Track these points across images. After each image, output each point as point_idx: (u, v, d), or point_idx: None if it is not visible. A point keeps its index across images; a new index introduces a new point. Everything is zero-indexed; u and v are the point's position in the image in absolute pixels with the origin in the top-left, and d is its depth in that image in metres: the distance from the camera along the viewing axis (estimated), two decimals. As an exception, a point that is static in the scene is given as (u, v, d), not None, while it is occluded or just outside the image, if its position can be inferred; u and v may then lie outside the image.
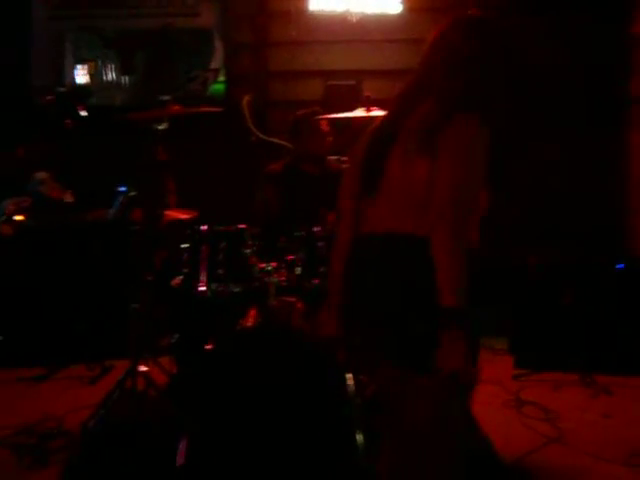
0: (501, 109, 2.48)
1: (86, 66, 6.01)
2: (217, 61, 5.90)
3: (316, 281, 3.81)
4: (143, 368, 4.05)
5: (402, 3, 5.64)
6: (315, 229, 3.84)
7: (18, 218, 5.28)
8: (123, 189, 3.82)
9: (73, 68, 5.99)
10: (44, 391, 4.72)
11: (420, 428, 2.46)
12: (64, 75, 5.96)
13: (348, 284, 2.57)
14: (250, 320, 3.75)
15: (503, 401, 4.45)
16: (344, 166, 4.57)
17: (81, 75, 5.99)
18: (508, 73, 2.49)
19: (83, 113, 2.77)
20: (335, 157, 4.66)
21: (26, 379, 4.86)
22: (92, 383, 4.79)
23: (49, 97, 2.76)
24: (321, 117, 4.45)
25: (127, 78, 6.01)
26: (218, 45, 5.89)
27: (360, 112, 4.13)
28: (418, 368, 2.38)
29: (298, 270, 3.83)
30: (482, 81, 2.46)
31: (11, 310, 5.18)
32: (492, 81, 2.48)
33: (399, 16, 5.64)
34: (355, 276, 2.54)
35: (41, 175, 5.65)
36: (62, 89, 2.83)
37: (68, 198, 5.62)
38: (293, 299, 3.81)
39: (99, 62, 6.00)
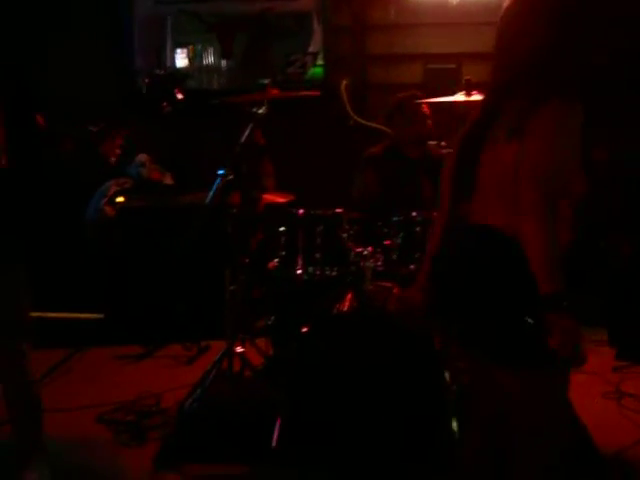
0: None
1: (185, 50, 6.07)
2: (315, 45, 5.88)
3: (412, 266, 3.77)
4: (239, 349, 4.09)
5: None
6: (413, 214, 3.80)
7: (119, 200, 5.40)
8: (222, 172, 3.83)
9: (173, 52, 6.07)
10: (142, 369, 4.83)
11: (528, 421, 2.42)
12: (164, 59, 6.05)
13: (444, 274, 2.53)
14: (346, 304, 3.74)
15: (603, 393, 4.34)
16: (444, 151, 4.52)
17: (180, 59, 6.06)
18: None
19: (180, 96, 2.79)
20: (435, 142, 4.60)
21: (125, 357, 4.98)
22: (189, 363, 4.87)
23: (147, 80, 2.80)
24: (421, 101, 4.39)
25: (226, 62, 6.05)
26: (317, 28, 5.87)
27: (460, 96, 4.06)
28: (527, 361, 2.33)
29: (395, 255, 3.80)
30: (576, 57, 2.38)
31: (112, 289, 5.30)
32: (587, 56, 2.40)
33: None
34: (451, 267, 2.50)
35: (142, 158, 5.75)
36: (160, 72, 2.86)
37: (168, 180, 5.71)
38: (389, 284, 3.78)
39: (198, 46, 6.06)
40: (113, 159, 3.00)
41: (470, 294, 2.40)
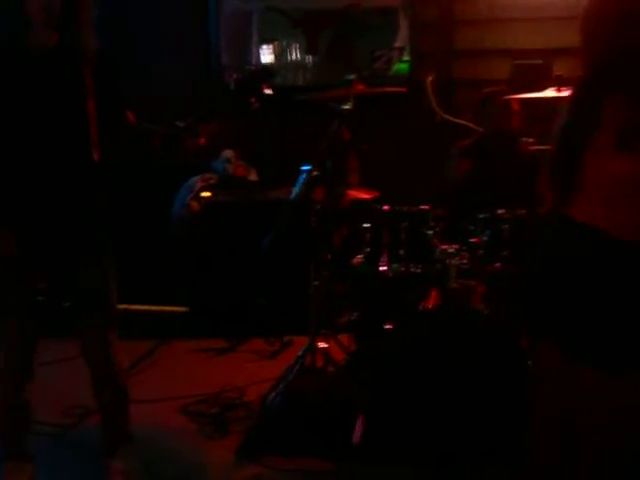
0: None
1: (271, 46, 6.10)
2: (401, 40, 5.84)
3: (498, 265, 3.72)
4: (322, 344, 4.09)
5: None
6: (500, 211, 3.74)
7: (205, 195, 5.46)
8: (307, 168, 3.84)
9: (259, 48, 6.11)
10: (226, 363, 4.88)
11: (610, 421, 2.37)
12: (250, 55, 6.09)
13: (551, 273, 2.47)
14: (430, 302, 3.71)
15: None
16: (533, 148, 4.43)
17: (266, 55, 6.09)
18: None
19: (268, 92, 2.79)
20: (524, 138, 4.51)
21: (209, 350, 5.03)
22: (272, 357, 4.90)
23: (236, 76, 2.80)
24: (508, 96, 4.32)
25: (311, 58, 6.06)
26: (402, 23, 5.83)
27: (550, 92, 3.98)
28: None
29: (481, 253, 3.75)
30: None
31: (197, 283, 5.37)
32: None
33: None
34: (561, 268, 2.44)
35: (227, 153, 5.80)
36: (250, 68, 2.87)
37: (253, 176, 5.75)
38: (474, 282, 3.74)
39: (284, 42, 6.08)
40: (196, 154, 3.03)
41: (585, 296, 2.35)
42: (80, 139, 2.92)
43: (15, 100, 2.90)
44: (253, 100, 2.85)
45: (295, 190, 3.85)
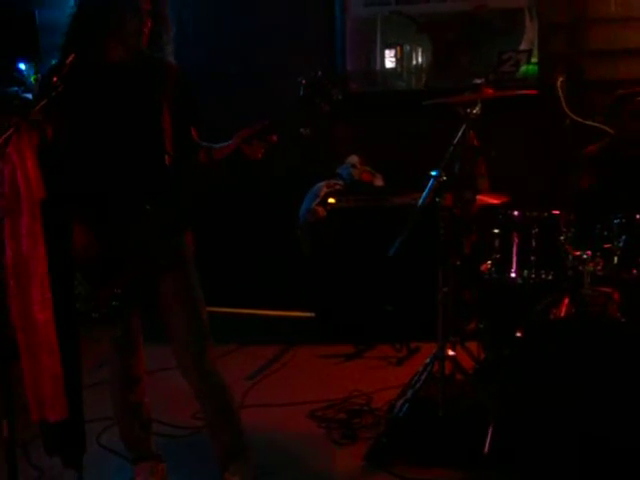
0: None
1: (394, 50, 6.10)
2: (528, 41, 5.74)
3: (635, 272, 3.59)
4: (450, 352, 4.05)
5: None
6: (637, 216, 3.62)
7: (331, 200, 5.49)
8: (435, 173, 3.81)
9: (382, 53, 6.11)
10: (353, 368, 4.88)
11: None
12: (373, 60, 6.10)
13: None
14: (563, 309, 3.62)
15: None
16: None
17: (389, 59, 6.09)
18: None
19: (338, 97, 2.78)
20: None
21: (335, 356, 5.05)
22: (399, 364, 4.88)
23: (304, 81, 2.81)
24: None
25: (435, 62, 6.02)
26: (529, 25, 5.72)
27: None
28: None
29: (616, 259, 3.63)
30: None
31: (323, 288, 5.40)
32: None
33: None
34: None
35: (353, 159, 5.83)
36: (318, 72, 2.88)
37: (378, 182, 5.75)
38: (609, 290, 3.62)
39: (407, 46, 6.06)
40: (259, 157, 3.02)
41: None
42: (155, 146, 3.00)
43: (96, 111, 2.96)
44: (323, 104, 2.83)
45: (423, 195, 3.82)
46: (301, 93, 2.94)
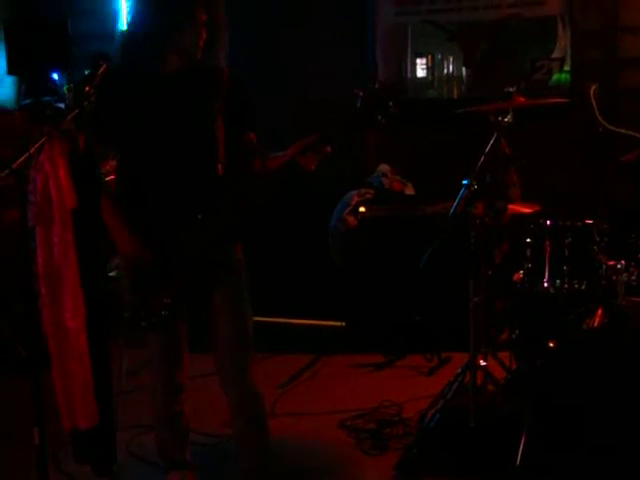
0: None
1: (425, 59, 6.09)
2: (560, 49, 5.70)
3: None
4: (482, 362, 4.02)
5: None
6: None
7: (362, 210, 5.48)
8: (466, 182, 3.79)
9: (413, 61, 6.10)
10: (383, 378, 4.86)
11: None
12: (404, 68, 6.09)
13: None
14: (597, 320, 3.58)
15: None
16: None
17: (420, 68, 6.08)
18: None
19: (394, 109, 2.75)
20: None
21: (366, 365, 5.03)
22: (430, 374, 4.85)
23: (361, 93, 2.79)
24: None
25: (467, 70, 6.00)
26: (561, 33, 5.69)
27: None
28: None
29: (651, 269, 3.59)
30: None
31: (354, 298, 5.39)
32: None
33: None
34: None
35: (383, 168, 5.82)
36: (375, 85, 2.86)
37: (409, 191, 5.74)
38: (644, 300, 3.58)
39: (438, 55, 6.05)
40: (312, 169, 3.01)
41: None
42: (208, 154, 3.00)
43: (150, 120, 2.97)
44: (380, 117, 2.80)
45: (454, 204, 3.80)
46: (358, 105, 2.92)
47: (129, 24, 3.09)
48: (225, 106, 3.02)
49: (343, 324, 5.44)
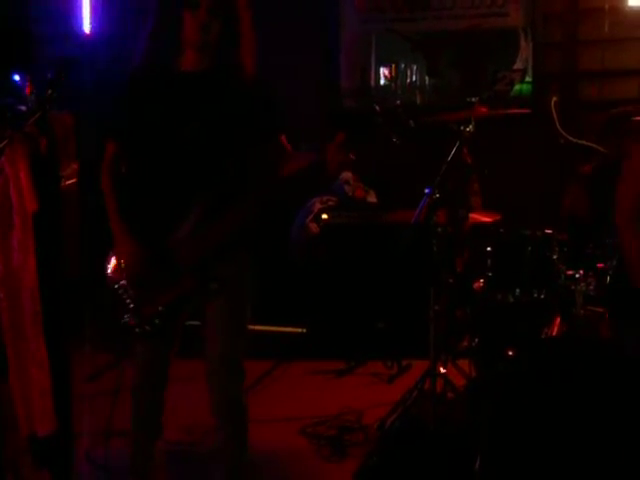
0: None
1: (388, 68, 6.12)
2: (522, 61, 5.77)
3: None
4: (442, 370, 4.04)
5: None
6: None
7: (324, 217, 5.48)
8: (428, 191, 3.82)
9: (377, 70, 6.14)
10: (344, 385, 4.87)
11: None
12: (368, 77, 6.13)
13: None
14: (554, 329, 3.62)
15: None
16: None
17: (383, 77, 6.12)
18: None
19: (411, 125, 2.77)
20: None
21: (327, 372, 5.03)
22: (390, 381, 4.87)
23: (379, 108, 2.80)
24: (636, 118, 4.19)
25: (430, 80, 6.04)
26: (523, 44, 5.75)
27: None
28: None
29: (608, 279, 3.64)
30: None
31: (315, 304, 5.39)
32: None
33: None
34: None
35: (346, 176, 5.83)
36: (397, 103, 2.88)
37: (372, 198, 5.76)
38: (601, 309, 3.63)
39: (402, 64, 6.09)
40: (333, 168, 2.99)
41: None
42: (217, 158, 2.92)
43: (165, 119, 2.90)
44: (396, 137, 2.81)
45: (416, 213, 3.83)
46: (377, 121, 2.90)
47: (149, 18, 2.98)
48: (244, 108, 2.92)
49: (304, 330, 5.44)
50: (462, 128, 3.96)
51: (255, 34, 2.98)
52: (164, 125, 2.90)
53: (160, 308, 2.94)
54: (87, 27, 6.00)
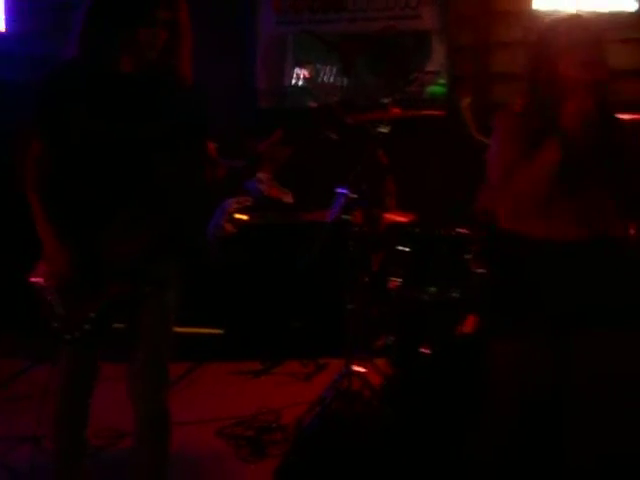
0: None
1: (305, 69, 6.14)
2: (435, 63, 5.85)
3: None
4: (358, 368, 4.08)
5: (638, 0, 5.34)
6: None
7: (239, 216, 5.46)
8: (343, 191, 3.85)
9: (293, 70, 6.15)
10: (260, 385, 4.86)
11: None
12: (284, 78, 6.13)
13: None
14: (468, 327, 3.69)
15: None
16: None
17: (300, 77, 6.13)
18: None
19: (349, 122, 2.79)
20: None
21: (244, 372, 5.02)
22: (307, 380, 4.88)
23: (315, 104, 2.81)
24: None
25: (345, 81, 6.08)
26: (436, 47, 5.84)
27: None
28: None
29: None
30: None
31: (232, 305, 5.37)
32: None
33: (634, 14, 5.34)
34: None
35: (262, 175, 5.80)
36: (332, 100, 2.88)
37: (287, 199, 5.75)
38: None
39: (318, 65, 6.11)
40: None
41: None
42: (149, 164, 2.86)
43: (91, 119, 2.83)
44: (333, 134, 2.81)
45: (332, 213, 3.85)
46: (311, 118, 2.89)
47: (84, 15, 2.86)
48: (176, 112, 2.86)
49: (221, 331, 5.41)
50: (377, 129, 4.00)
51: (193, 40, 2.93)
52: (93, 125, 2.83)
53: (91, 314, 2.88)
54: (1, 25, 5.85)
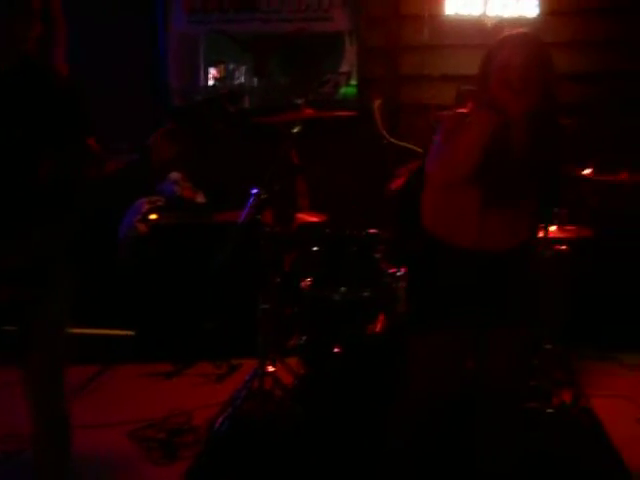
0: None
1: (217, 68, 6.11)
2: (348, 65, 5.90)
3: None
4: (270, 368, 4.09)
5: (538, 6, 5.51)
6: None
7: (152, 217, 5.42)
8: (255, 191, 3.86)
9: (205, 70, 6.11)
10: (172, 387, 4.82)
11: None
12: (197, 77, 6.09)
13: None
14: (378, 325, 3.74)
15: (637, 418, 4.27)
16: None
17: (212, 77, 6.10)
18: None
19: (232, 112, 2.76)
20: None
21: (156, 374, 4.97)
22: (219, 381, 4.86)
23: (200, 97, 2.78)
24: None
25: (258, 81, 6.07)
26: (349, 49, 5.89)
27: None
28: None
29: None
30: None
31: (144, 306, 5.32)
32: None
33: (535, 20, 5.50)
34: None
35: (174, 175, 5.78)
36: (219, 89, 2.85)
37: (200, 199, 5.73)
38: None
39: (230, 65, 6.09)
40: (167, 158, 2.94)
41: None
42: (31, 162, 2.77)
43: None
44: (218, 123, 2.80)
45: (243, 213, 3.85)
46: (195, 107, 2.85)
47: None
48: (56, 109, 2.79)
49: (132, 333, 5.35)
50: (289, 129, 4.01)
51: (67, 34, 2.86)
52: None
53: None
54: None
